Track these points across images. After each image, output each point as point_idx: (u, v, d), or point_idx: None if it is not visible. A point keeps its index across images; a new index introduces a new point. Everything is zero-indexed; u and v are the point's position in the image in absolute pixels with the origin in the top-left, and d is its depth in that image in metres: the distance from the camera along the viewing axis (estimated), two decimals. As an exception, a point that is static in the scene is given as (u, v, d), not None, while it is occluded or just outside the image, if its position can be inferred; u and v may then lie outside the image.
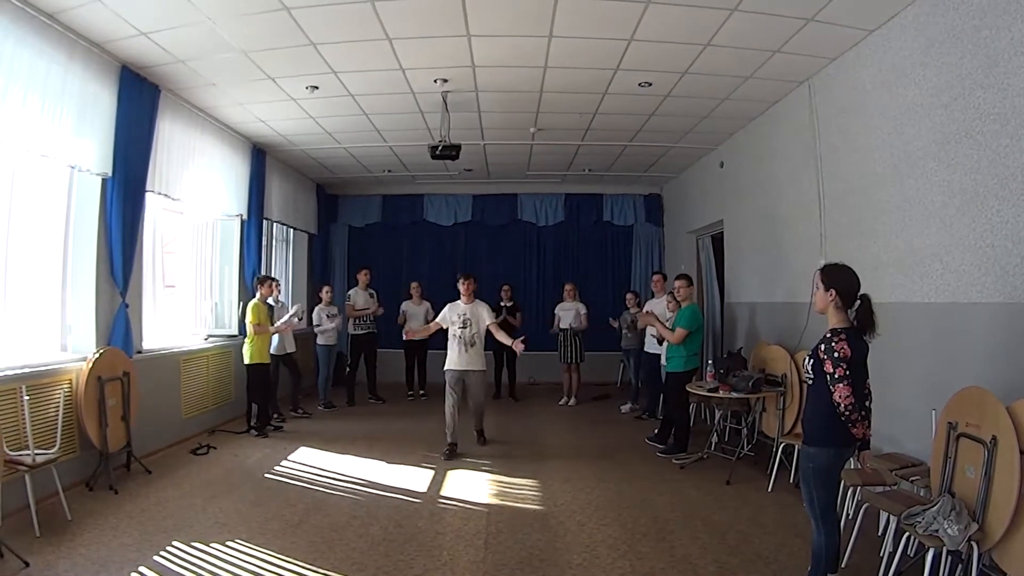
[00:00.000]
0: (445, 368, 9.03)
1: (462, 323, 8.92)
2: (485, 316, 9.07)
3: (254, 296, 10.03)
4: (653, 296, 11.26)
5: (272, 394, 10.41)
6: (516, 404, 12.80)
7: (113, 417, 7.05)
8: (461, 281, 9.15)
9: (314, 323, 12.02)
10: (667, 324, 9.01)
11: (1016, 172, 4.88)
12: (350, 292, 12.72)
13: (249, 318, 9.63)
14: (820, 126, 7.87)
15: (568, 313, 12.43)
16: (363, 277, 12.83)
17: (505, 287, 13.14)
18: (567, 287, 12.75)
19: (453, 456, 8.62)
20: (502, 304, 12.73)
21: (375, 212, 15.89)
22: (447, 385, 8.96)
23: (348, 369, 12.81)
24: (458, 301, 9.15)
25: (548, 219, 15.88)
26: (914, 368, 6.03)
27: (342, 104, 9.35)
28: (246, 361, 9.74)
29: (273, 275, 12.19)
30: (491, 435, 9.64)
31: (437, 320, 9.30)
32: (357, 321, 12.47)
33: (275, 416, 10.60)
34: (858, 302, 4.34)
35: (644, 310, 10.57)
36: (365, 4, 6.35)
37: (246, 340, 9.79)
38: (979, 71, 5.21)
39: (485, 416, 9.57)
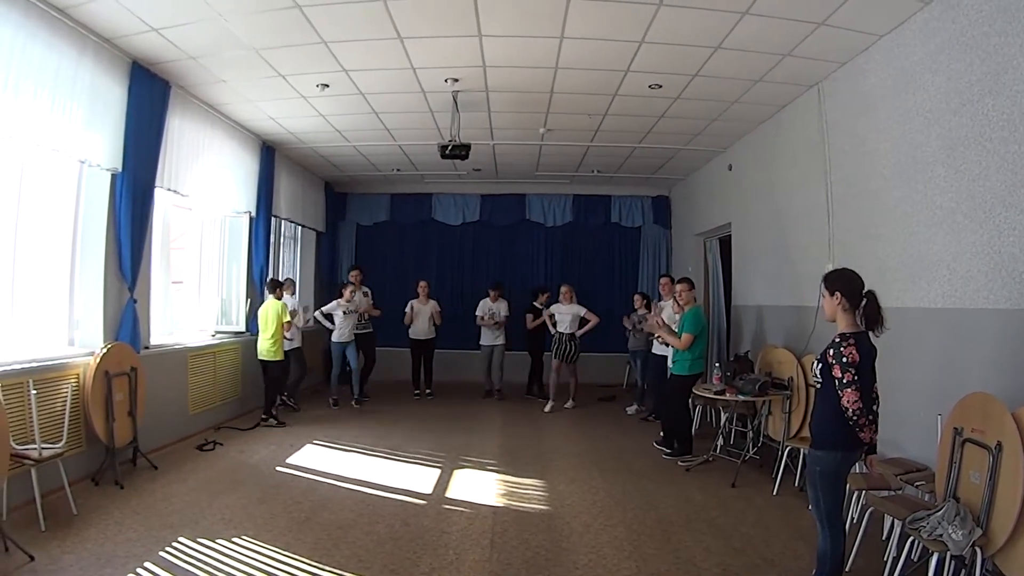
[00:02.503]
0: (480, 343, 13.14)
1: (490, 315, 12.88)
2: (503, 311, 12.94)
3: (272, 296, 10.60)
4: (660, 299, 11.23)
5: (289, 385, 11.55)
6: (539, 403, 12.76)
7: (120, 412, 7.07)
8: (492, 289, 13.13)
9: (324, 312, 11.95)
10: (674, 327, 9.02)
11: (1025, 179, 4.88)
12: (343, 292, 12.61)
13: (284, 318, 10.44)
14: (829, 130, 7.87)
15: (565, 317, 12.16)
16: (354, 277, 12.74)
17: (546, 293, 13.16)
18: (563, 289, 12.45)
19: (488, 397, 13.22)
20: (536, 305, 12.88)
21: (383, 211, 15.92)
22: (482, 354, 13.18)
23: (348, 368, 12.62)
24: (486, 300, 13.05)
25: (556, 220, 15.89)
26: (920, 373, 6.02)
27: (352, 102, 9.36)
28: (275, 358, 10.48)
29: (289, 276, 12.50)
30: (498, 438, 9.72)
31: (478, 312, 13.05)
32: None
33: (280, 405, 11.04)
34: (864, 299, 4.35)
35: (653, 315, 10.58)
36: (377, 3, 6.36)
37: (270, 338, 10.37)
38: (988, 77, 5.21)
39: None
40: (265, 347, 10.42)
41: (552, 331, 12.39)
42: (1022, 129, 4.87)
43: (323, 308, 11.97)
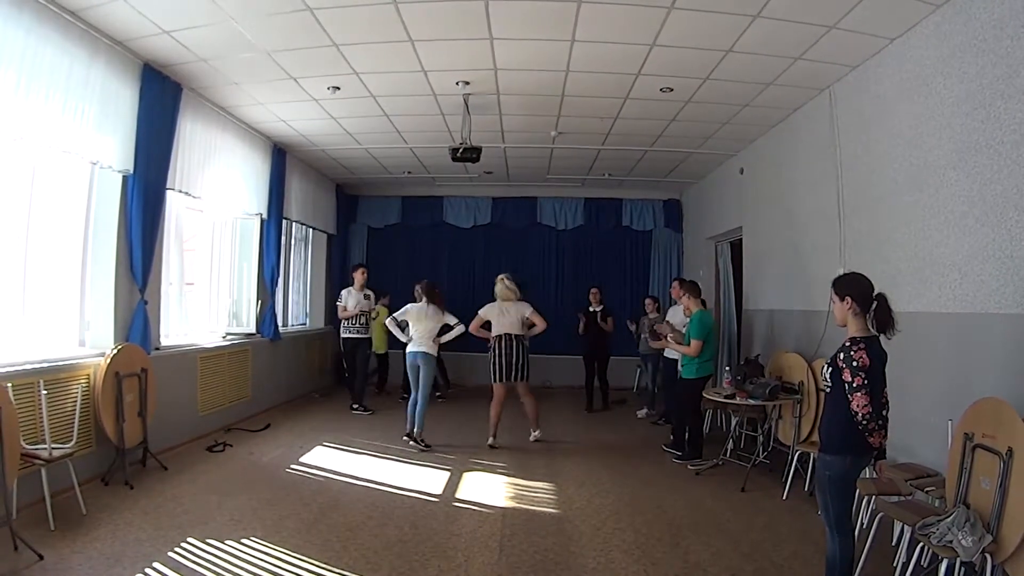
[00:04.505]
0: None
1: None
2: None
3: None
4: (673, 303, 11.15)
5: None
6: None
7: (130, 413, 7.10)
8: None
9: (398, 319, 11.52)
10: (683, 330, 9.02)
11: (1037, 182, 4.86)
12: (342, 292, 12.18)
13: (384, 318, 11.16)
14: (840, 134, 7.84)
15: (503, 320, 9.64)
16: (359, 276, 12.08)
17: (593, 290, 12.76)
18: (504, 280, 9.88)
19: None
20: (591, 309, 12.50)
21: (394, 213, 15.95)
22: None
23: (347, 373, 12.44)
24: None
25: (567, 223, 15.91)
26: (931, 378, 6.00)
27: (363, 105, 9.39)
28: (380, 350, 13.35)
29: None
30: (506, 440, 9.65)
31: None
32: (348, 323, 11.92)
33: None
34: (874, 302, 4.33)
35: (666, 319, 10.60)
36: (388, 6, 6.37)
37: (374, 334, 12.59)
38: (1000, 81, 5.18)
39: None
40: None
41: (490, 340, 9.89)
42: (1035, 133, 4.86)
43: (397, 314, 9.80)
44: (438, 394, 13.04)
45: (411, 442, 9.11)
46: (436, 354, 9.61)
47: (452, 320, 9.54)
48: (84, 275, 7.33)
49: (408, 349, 9.46)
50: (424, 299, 9.56)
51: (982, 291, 5.41)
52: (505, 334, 9.49)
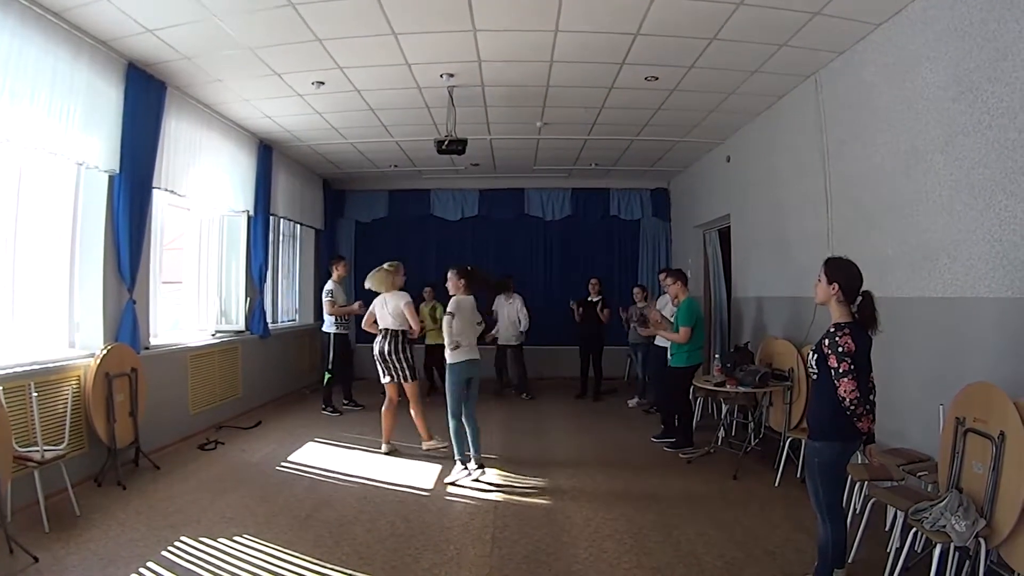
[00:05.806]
0: (498, 342, 12.68)
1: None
2: (518, 306, 12.59)
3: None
4: (662, 293, 11.13)
5: None
6: (530, 401, 12.63)
7: (121, 413, 7.08)
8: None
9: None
10: (671, 319, 9.03)
11: (1024, 166, 4.86)
12: (331, 288, 11.36)
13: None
14: (827, 120, 7.85)
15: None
16: (342, 269, 11.71)
17: (593, 281, 12.86)
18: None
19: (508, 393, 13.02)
20: (590, 299, 12.56)
21: (382, 207, 15.93)
22: (498, 351, 12.89)
23: (330, 371, 11.44)
24: (499, 296, 12.68)
25: (555, 214, 15.89)
26: (921, 363, 6.01)
27: (348, 100, 9.36)
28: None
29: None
30: (499, 433, 9.69)
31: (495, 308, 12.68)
32: (339, 319, 11.38)
33: None
34: (860, 298, 4.33)
35: (653, 309, 10.61)
36: (370, -1, 6.35)
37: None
38: (987, 64, 5.19)
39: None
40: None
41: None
42: (1022, 116, 4.86)
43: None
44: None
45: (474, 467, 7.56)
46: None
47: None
48: (72, 276, 7.29)
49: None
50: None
51: (971, 275, 5.43)
52: (385, 329, 8.59)
